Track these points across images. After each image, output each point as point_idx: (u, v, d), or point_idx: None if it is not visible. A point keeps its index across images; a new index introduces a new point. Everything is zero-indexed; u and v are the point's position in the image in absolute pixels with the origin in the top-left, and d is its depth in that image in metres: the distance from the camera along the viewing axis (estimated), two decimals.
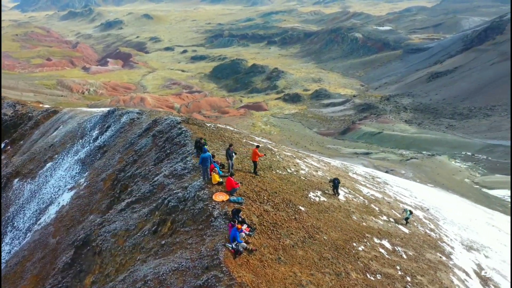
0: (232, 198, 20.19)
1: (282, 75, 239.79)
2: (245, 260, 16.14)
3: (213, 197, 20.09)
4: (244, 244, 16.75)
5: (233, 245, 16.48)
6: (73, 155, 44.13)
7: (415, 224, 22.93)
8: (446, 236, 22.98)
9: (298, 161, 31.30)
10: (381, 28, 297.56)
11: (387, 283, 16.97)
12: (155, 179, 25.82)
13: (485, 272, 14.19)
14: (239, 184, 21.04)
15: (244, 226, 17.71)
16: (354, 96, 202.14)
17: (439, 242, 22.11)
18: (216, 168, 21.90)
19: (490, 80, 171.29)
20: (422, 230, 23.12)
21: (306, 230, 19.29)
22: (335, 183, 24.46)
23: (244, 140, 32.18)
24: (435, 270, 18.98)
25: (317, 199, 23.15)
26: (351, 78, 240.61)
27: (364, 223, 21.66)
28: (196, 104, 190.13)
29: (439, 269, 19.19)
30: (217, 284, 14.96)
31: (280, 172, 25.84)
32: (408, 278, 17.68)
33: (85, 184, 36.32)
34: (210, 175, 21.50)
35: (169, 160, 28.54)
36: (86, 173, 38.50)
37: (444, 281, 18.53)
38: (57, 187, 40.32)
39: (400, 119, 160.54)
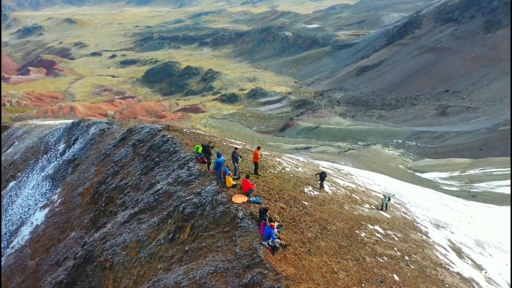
0: (252, 199, 20.61)
1: (217, 76, 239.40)
2: (282, 255, 16.73)
3: (233, 199, 20.42)
4: (279, 240, 17.30)
5: (269, 242, 16.95)
6: (39, 171, 41.62)
7: (391, 209, 24.49)
8: (417, 217, 24.68)
9: (278, 159, 31.79)
10: (309, 26, 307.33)
11: (393, 263, 18.33)
12: (157, 188, 25.36)
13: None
14: (255, 185, 21.46)
15: (276, 224, 18.22)
16: (289, 93, 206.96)
17: (414, 223, 23.72)
18: (227, 172, 22.14)
19: (412, 72, 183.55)
20: (398, 214, 24.81)
21: (318, 223, 20.25)
22: (322, 177, 25.27)
23: (225, 143, 32.09)
24: (422, 248, 20.72)
25: (312, 193, 24.14)
26: (284, 76, 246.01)
27: (355, 212, 23.03)
28: (131, 110, 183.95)
29: (425, 247, 20.93)
30: (263, 280, 15.38)
31: (272, 171, 26.31)
32: (407, 257, 19.19)
33: (59, 200, 34.57)
34: (224, 178, 21.65)
35: (162, 168, 28.06)
36: (59, 189, 36.79)
37: (433, 257, 20.31)
38: (26, 206, 38.06)
39: (334, 112, 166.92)
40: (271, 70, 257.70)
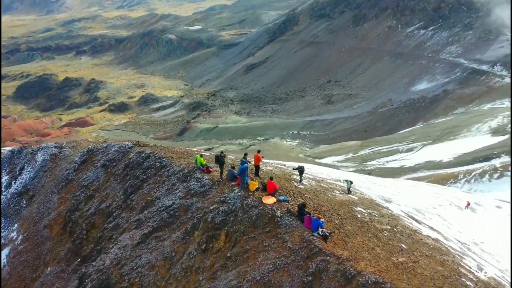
0: (280, 198, 21.43)
1: (101, 85, 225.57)
2: (332, 242, 17.96)
3: (263, 201, 21.07)
4: (325, 229, 18.56)
5: (319, 232, 18.21)
6: None
7: (352, 191, 26.54)
8: (371, 196, 26.43)
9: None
10: (192, 28, 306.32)
11: (393, 235, 20.03)
12: (164, 203, 24.55)
13: (485, 272, 17.15)
14: (278, 185, 22.43)
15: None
16: (181, 96, 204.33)
17: (374, 201, 25.42)
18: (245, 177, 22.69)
19: (297, 66, 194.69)
20: (359, 194, 26.46)
21: (330, 210, 21.38)
22: (301, 171, 25.84)
23: (201, 153, 30.47)
24: (396, 220, 22.61)
25: (301, 186, 24.89)
26: (174, 79, 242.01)
27: (337, 198, 24.28)
28: (7, 132, 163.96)
29: (396, 219, 22.90)
30: (328, 266, 16.55)
31: (261, 171, 26.15)
32: (395, 229, 20.80)
33: (20, 237, 31.01)
34: (247, 183, 22.14)
35: (153, 185, 26.73)
36: (16, 225, 32.99)
37: (407, 226, 22.30)
38: None
39: (230, 111, 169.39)
40: (159, 75, 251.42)
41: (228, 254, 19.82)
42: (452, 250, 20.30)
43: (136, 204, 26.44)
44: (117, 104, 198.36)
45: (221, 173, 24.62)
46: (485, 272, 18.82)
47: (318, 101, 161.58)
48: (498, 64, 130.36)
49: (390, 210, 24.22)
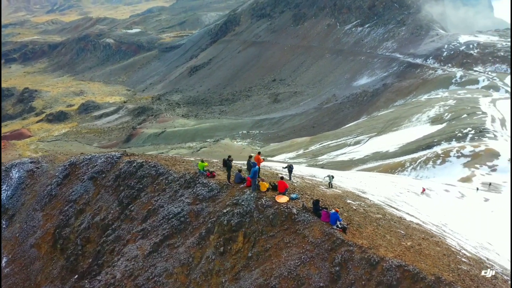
0: (292, 196, 21.99)
1: (36, 94, 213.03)
2: (350, 233, 18.83)
3: (277, 200, 21.55)
4: (343, 222, 19.47)
5: (338, 225, 19.03)
6: None
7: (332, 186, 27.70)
8: (348, 188, 27.03)
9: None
10: (130, 31, 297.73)
11: (387, 222, 21.15)
12: (170, 211, 24.21)
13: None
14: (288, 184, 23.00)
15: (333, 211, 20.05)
16: (124, 102, 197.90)
17: (354, 193, 26.22)
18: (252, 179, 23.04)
19: (241, 66, 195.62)
20: (339, 188, 27.25)
21: (332, 205, 22.12)
22: (290, 169, 26.42)
23: (202, 159, 29.41)
24: (382, 209, 23.85)
25: (295, 184, 25.45)
26: (115, 85, 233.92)
27: (328, 193, 25.08)
28: None
29: (381, 208, 24.09)
30: (353, 255, 17.47)
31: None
32: (387, 217, 21.91)
33: (5, 260, 28.86)
34: (258, 184, 22.59)
35: (152, 193, 25.63)
36: None
37: (393, 213, 23.53)
38: None
39: (177, 115, 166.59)
40: (99, 81, 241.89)
41: (249, 254, 20.26)
42: (434, 232, 21.60)
43: (136, 214, 25.72)
44: (55, 113, 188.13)
45: (229, 176, 24.69)
46: (466, 250, 20.20)
47: (265, 100, 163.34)
48: (430, 58, 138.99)
49: (371, 200, 25.16)
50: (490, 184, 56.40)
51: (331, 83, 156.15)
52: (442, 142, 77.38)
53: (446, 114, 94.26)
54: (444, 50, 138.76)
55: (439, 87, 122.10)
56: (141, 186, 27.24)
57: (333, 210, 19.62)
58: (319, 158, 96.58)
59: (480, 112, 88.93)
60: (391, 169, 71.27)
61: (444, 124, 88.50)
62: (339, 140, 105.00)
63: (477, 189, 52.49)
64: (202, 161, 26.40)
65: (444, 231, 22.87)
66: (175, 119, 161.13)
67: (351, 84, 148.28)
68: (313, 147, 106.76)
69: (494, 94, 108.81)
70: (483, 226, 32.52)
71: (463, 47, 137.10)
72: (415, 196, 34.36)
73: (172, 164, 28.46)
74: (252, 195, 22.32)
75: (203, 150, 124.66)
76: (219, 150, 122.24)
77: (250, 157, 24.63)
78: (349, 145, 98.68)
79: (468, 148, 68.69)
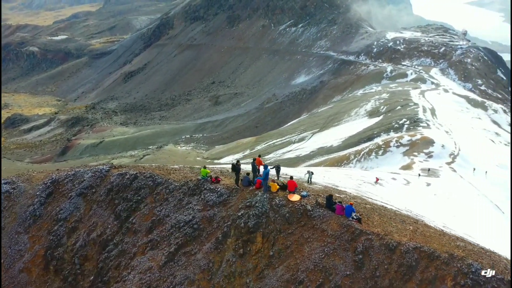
0: (303, 194, 22.97)
1: None
2: (365, 223, 20.24)
3: (290, 199, 22.36)
4: (357, 214, 20.84)
5: (354, 216, 20.34)
6: None
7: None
8: (322, 183, 27.56)
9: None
10: (56, 38, 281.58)
11: (382, 211, 22.80)
12: (184, 219, 23.99)
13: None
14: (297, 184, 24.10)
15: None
16: (56, 113, 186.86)
17: (331, 187, 26.98)
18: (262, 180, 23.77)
19: (178, 70, 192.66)
20: (316, 184, 28.24)
21: (340, 198, 23.57)
22: (278, 169, 27.08)
23: (205, 165, 28.97)
24: (365, 200, 25.07)
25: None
26: (43, 96, 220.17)
27: (315, 188, 26.27)
28: None
29: (363, 199, 25.46)
30: (373, 243, 18.91)
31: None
32: (376, 207, 23.37)
33: None
34: (269, 185, 23.41)
35: (153, 204, 25.49)
36: None
37: (375, 203, 24.92)
38: None
39: (115, 123, 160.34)
40: (24, 92, 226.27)
41: (271, 253, 20.97)
42: (414, 217, 23.10)
43: (139, 227, 25.09)
44: None
45: (237, 180, 25.10)
46: (444, 230, 21.94)
47: (206, 103, 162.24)
48: (362, 54, 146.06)
49: (350, 192, 25.99)
50: (429, 169, 60.29)
51: (270, 83, 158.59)
52: (381, 133, 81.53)
53: (381, 107, 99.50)
54: (374, 46, 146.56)
55: (372, 81, 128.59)
56: (139, 197, 26.69)
57: (348, 204, 21.07)
58: (266, 157, 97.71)
59: (412, 104, 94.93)
60: (337, 163, 73.84)
61: (381, 117, 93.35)
62: (283, 138, 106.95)
63: (419, 175, 55.91)
64: (205, 168, 26.43)
65: (416, 215, 24.25)
66: (113, 127, 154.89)
67: (290, 83, 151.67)
68: (259, 147, 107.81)
69: (422, 86, 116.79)
70: (434, 209, 34.75)
71: (391, 43, 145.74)
72: (371, 186, 35.97)
73: (167, 173, 27.93)
74: (264, 196, 22.98)
75: (146, 158, 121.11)
76: (163, 157, 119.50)
77: (254, 160, 25.30)
78: (294, 143, 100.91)
79: (405, 138, 72.95)
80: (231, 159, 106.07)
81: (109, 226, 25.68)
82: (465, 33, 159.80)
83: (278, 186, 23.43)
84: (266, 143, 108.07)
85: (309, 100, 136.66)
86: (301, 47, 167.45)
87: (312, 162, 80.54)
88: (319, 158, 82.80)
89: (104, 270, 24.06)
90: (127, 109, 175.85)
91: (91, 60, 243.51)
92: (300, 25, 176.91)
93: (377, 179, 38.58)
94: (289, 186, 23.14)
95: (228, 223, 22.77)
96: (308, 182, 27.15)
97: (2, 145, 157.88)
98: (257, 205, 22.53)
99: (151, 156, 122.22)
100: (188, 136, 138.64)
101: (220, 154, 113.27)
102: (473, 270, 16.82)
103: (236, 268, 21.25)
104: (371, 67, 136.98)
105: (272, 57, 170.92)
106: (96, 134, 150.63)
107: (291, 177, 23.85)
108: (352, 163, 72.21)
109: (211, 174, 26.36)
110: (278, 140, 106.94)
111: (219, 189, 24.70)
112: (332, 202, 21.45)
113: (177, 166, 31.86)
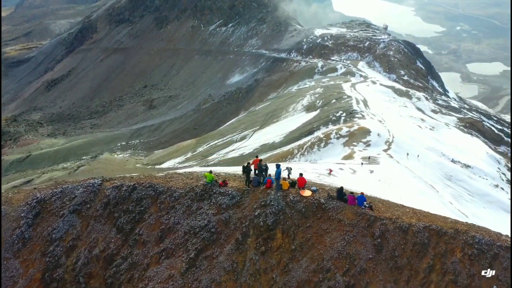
0: (313, 188, 24.50)
1: None
2: (376, 210, 22.38)
3: (302, 194, 23.73)
4: (369, 202, 22.98)
5: (366, 204, 22.45)
6: None
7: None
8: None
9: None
10: None
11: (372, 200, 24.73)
12: (199, 224, 24.28)
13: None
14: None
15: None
16: None
17: (311, 181, 26.98)
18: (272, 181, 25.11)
19: (107, 75, 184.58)
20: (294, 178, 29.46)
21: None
22: (290, 170, 28.50)
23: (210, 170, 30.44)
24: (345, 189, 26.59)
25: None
26: None
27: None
28: None
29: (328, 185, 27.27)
30: (388, 227, 21.26)
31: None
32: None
33: None
34: (281, 184, 24.59)
35: (159, 213, 25.32)
36: None
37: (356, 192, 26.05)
38: None
39: (42, 135, 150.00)
40: None
41: (293, 247, 22.14)
42: (394, 202, 25.22)
43: (148, 237, 24.71)
44: None
45: (248, 181, 25.78)
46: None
47: (140, 107, 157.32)
48: (293, 51, 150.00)
49: (329, 183, 26.87)
50: (369, 157, 63.62)
51: (205, 83, 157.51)
52: (321, 126, 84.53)
53: (317, 101, 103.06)
54: (304, 43, 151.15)
55: (305, 77, 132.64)
56: (142, 208, 26.12)
57: (360, 194, 23.04)
58: (209, 158, 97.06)
59: (346, 96, 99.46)
60: (282, 158, 75.37)
61: (318, 111, 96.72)
62: (225, 138, 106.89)
63: (362, 163, 58.88)
64: (210, 172, 26.70)
65: (389, 200, 25.76)
66: (41, 140, 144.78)
67: (225, 83, 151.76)
68: (200, 149, 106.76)
69: (352, 79, 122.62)
70: (382, 194, 36.88)
71: (319, 40, 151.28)
72: (327, 177, 37.29)
73: (166, 181, 27.57)
74: (278, 194, 24.10)
75: (81, 169, 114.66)
76: (100, 167, 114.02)
77: (261, 160, 26.40)
78: (236, 141, 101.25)
79: (344, 129, 76.33)
80: (173, 163, 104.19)
81: (112, 240, 24.62)
82: (386, 28, 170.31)
83: (288, 184, 24.61)
84: (208, 144, 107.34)
85: (245, 99, 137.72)
86: (233, 46, 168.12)
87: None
88: (264, 154, 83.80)
89: (115, 285, 23.37)
90: (53, 119, 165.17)
91: (7, 68, 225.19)
92: (230, 25, 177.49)
93: (331, 170, 40.01)
94: (299, 182, 24.61)
95: (246, 223, 23.59)
96: (288, 178, 27.82)
97: None
98: (272, 203, 23.59)
99: (86, 167, 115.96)
100: (124, 143, 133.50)
101: (161, 159, 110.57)
102: (476, 240, 19.57)
103: (260, 265, 22.15)
104: (303, 63, 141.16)
105: (205, 57, 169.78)
106: (21, 148, 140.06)
107: (301, 174, 25.13)
108: (296, 157, 74.08)
109: (216, 178, 26.75)
110: (219, 140, 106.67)
111: (230, 192, 25.26)
112: (343, 194, 23.19)
113: (166, 172, 31.40)
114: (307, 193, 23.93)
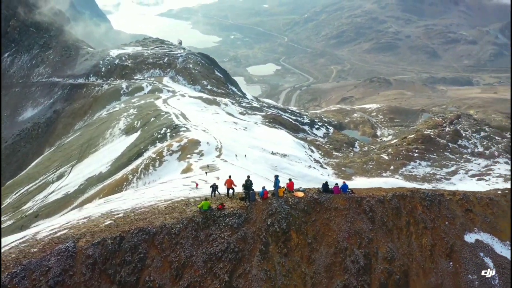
0: (302, 189, 28.97)
1: None
2: (355, 192, 29.62)
3: (298, 196, 27.59)
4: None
5: (349, 190, 28.79)
6: None
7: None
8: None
9: None
10: None
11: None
12: (220, 248, 25.11)
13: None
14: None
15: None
16: None
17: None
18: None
19: None
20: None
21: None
22: (214, 187, 31.13)
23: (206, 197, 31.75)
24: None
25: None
26: None
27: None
28: None
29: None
30: (371, 201, 27.72)
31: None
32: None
33: None
34: (278, 192, 28.00)
35: (163, 254, 24.21)
36: None
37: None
38: None
39: None
40: None
41: (309, 241, 25.85)
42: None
43: (162, 280, 23.45)
44: None
45: (248, 198, 27.78)
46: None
47: None
48: (91, 75, 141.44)
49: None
50: (208, 166, 66.46)
51: None
52: (149, 146, 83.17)
53: (135, 122, 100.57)
54: (101, 65, 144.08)
55: (112, 100, 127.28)
56: (141, 255, 24.07)
57: (343, 183, 28.62)
58: (24, 207, 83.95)
59: (163, 112, 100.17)
60: (117, 187, 71.24)
61: (139, 131, 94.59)
62: (37, 181, 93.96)
63: (206, 173, 61.14)
64: (206, 199, 27.48)
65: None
66: None
67: (17, 120, 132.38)
68: (8, 200, 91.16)
69: (162, 95, 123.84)
70: None
71: (117, 60, 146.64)
72: (198, 190, 37.89)
73: (152, 220, 26.01)
74: (280, 201, 27.25)
75: None
76: None
77: (248, 177, 29.06)
78: (53, 182, 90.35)
79: (175, 144, 77.16)
80: None
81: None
82: (180, 43, 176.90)
83: (284, 190, 28.15)
84: (16, 193, 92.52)
85: (47, 134, 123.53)
86: (16, 78, 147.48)
87: (88, 195, 74.90)
88: (94, 188, 77.56)
89: None
90: None
91: None
92: (7, 54, 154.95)
93: (197, 184, 40.70)
94: (290, 187, 28.78)
95: (263, 234, 25.53)
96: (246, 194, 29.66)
97: None
98: (279, 210, 26.50)
99: None
100: None
101: None
102: (426, 194, 27.15)
103: (289, 265, 24.78)
104: (105, 86, 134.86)
105: None
106: None
107: (290, 179, 29.04)
108: (133, 182, 71.25)
109: (210, 205, 27.35)
110: (31, 185, 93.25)
111: (236, 211, 26.61)
112: (327, 187, 28.05)
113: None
114: (299, 194, 27.67)
